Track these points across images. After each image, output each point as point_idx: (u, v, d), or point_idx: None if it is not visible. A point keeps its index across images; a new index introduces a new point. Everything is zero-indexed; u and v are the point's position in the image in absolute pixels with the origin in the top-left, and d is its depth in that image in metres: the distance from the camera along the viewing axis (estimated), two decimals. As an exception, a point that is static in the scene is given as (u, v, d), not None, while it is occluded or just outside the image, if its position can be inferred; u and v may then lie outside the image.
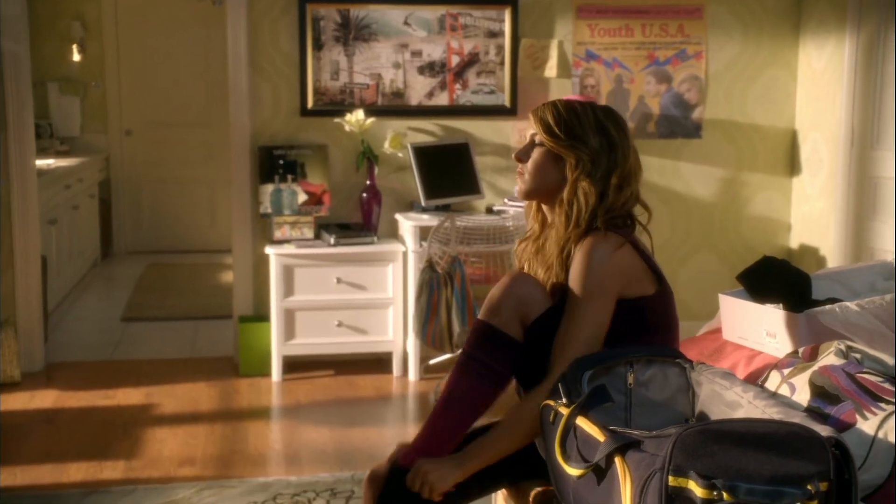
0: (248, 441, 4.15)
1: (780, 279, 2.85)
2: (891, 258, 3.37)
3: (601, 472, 1.81)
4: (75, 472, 3.76)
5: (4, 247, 4.98)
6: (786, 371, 2.21)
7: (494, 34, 5.26)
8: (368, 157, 5.05)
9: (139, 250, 8.43)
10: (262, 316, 5.12)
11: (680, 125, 5.49)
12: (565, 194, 2.33)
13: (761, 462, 1.61)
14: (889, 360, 2.11)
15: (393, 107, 5.21)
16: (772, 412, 1.85)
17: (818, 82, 5.38)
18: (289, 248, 4.89)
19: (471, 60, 5.26)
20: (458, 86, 5.26)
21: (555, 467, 1.98)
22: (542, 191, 2.39)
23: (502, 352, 2.28)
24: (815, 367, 2.14)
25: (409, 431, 4.19)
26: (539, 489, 2.30)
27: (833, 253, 5.25)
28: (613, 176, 2.31)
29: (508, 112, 5.30)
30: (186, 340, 5.78)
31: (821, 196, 5.38)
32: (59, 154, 7.40)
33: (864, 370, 2.08)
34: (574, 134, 2.32)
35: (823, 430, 1.69)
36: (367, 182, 5.08)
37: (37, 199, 5.12)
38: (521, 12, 5.26)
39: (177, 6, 8.18)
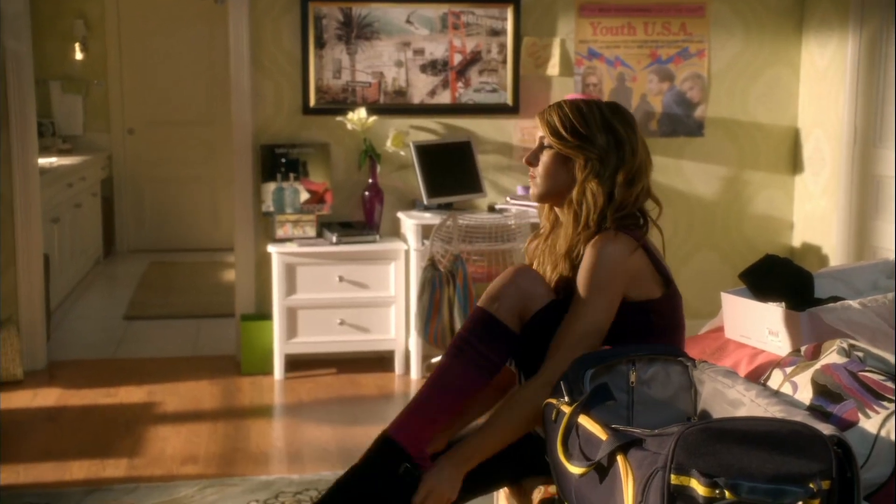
0: (250, 439, 4.15)
1: (782, 278, 2.85)
2: (893, 256, 3.37)
3: (603, 470, 1.81)
4: (77, 470, 3.77)
5: (7, 245, 4.98)
6: (788, 369, 2.21)
7: (497, 32, 5.25)
8: (370, 155, 5.05)
9: (141, 249, 8.43)
10: (264, 314, 5.12)
11: (682, 123, 5.49)
12: (574, 195, 2.33)
13: (763, 460, 1.61)
14: (891, 358, 2.11)
15: (395, 105, 5.21)
16: (774, 411, 1.85)
17: (821, 80, 5.38)
18: (291, 247, 4.89)
19: (473, 59, 5.26)
20: (460, 84, 5.26)
21: (557, 466, 1.98)
22: (554, 193, 2.39)
23: (498, 342, 2.29)
24: (818, 366, 2.14)
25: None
26: (543, 495, 2.30)
27: (835, 251, 5.25)
28: (620, 173, 2.31)
29: (510, 110, 5.30)
30: (189, 339, 5.79)
31: (823, 194, 5.38)
32: (61, 152, 7.40)
33: (867, 369, 2.08)
34: (581, 134, 2.32)
35: (826, 429, 1.69)
36: (370, 180, 5.08)
37: (39, 198, 5.12)
38: (524, 10, 5.26)
39: (179, 5, 8.18)
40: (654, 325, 2.31)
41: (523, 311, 2.30)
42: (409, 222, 4.98)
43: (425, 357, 5.00)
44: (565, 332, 2.24)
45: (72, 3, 8.02)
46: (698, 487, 1.61)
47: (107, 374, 5.01)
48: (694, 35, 5.44)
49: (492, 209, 5.13)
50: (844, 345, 2.16)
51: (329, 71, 5.13)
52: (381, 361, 5.15)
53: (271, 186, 5.02)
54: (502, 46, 5.26)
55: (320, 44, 5.10)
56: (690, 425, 1.68)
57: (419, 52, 5.20)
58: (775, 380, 2.21)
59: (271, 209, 5.02)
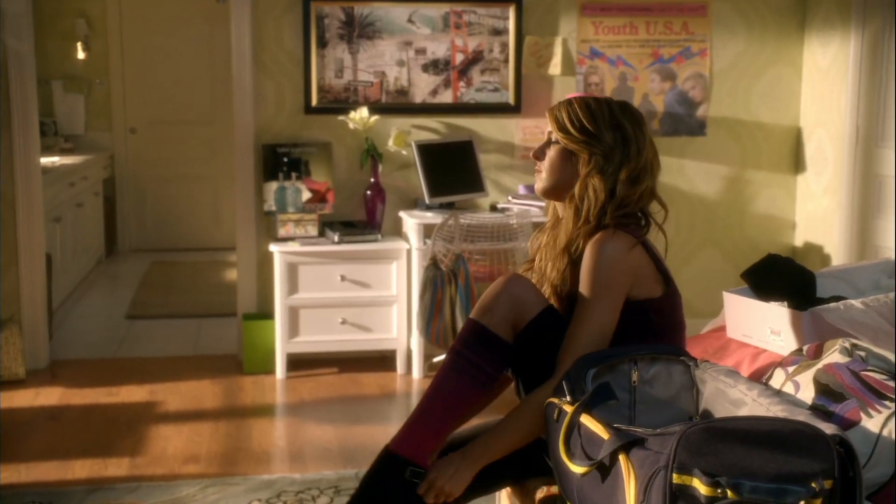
0: (252, 438, 4.15)
1: (784, 277, 2.85)
2: (895, 256, 3.37)
3: (605, 469, 1.81)
4: (79, 469, 3.77)
5: (9, 244, 4.98)
6: (790, 369, 2.21)
7: (499, 32, 5.25)
8: (372, 154, 5.05)
9: (143, 248, 8.43)
10: (266, 313, 5.12)
11: (684, 123, 5.48)
12: (576, 189, 2.34)
13: (765, 460, 1.61)
14: (893, 357, 2.11)
15: (397, 104, 5.21)
16: (776, 410, 1.85)
17: (823, 80, 5.37)
18: (293, 246, 4.89)
19: (475, 58, 5.26)
20: (462, 83, 5.26)
21: (559, 465, 1.98)
22: (558, 187, 2.40)
23: (491, 353, 2.29)
24: (820, 365, 2.14)
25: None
26: (545, 493, 2.30)
27: (837, 251, 5.25)
28: (624, 170, 2.31)
29: (512, 110, 5.30)
30: (190, 338, 5.79)
31: (825, 194, 5.38)
32: (63, 152, 7.41)
33: (869, 368, 2.08)
34: (587, 131, 2.33)
35: (828, 428, 1.69)
36: (371, 180, 5.08)
37: (41, 197, 5.12)
38: (526, 10, 5.26)
39: (181, 4, 8.18)
40: (654, 325, 2.31)
41: (517, 320, 2.30)
42: (411, 221, 4.98)
43: (427, 356, 5.00)
44: (574, 335, 2.24)
45: (73, 3, 8.02)
46: (700, 487, 1.61)
47: (109, 374, 5.01)
48: (696, 34, 5.44)
49: (493, 208, 5.13)
50: (846, 344, 2.16)
51: (331, 70, 5.13)
52: (382, 361, 5.15)
53: (273, 186, 5.02)
54: (504, 46, 5.26)
55: (322, 43, 5.11)
56: (692, 425, 1.68)
57: (421, 51, 5.20)
58: (777, 379, 2.21)
59: (273, 208, 5.02)
